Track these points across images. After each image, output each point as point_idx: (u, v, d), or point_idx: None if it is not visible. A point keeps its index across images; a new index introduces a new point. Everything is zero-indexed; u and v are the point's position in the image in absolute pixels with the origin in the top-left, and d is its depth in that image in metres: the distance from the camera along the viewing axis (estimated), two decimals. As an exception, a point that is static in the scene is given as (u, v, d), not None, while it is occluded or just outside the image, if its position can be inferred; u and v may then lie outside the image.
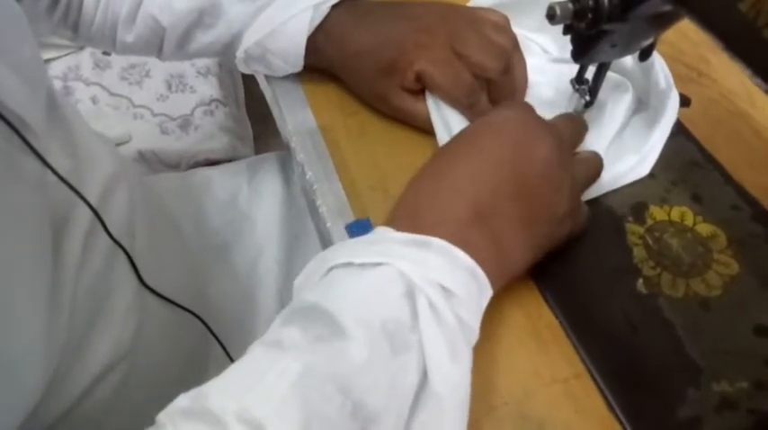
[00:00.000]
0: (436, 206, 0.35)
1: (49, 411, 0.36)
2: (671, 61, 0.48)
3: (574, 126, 0.43)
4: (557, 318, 0.39)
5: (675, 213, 0.43)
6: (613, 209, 0.44)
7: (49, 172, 0.37)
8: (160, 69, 0.92)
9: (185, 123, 0.89)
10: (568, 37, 0.40)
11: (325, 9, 0.48)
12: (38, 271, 0.34)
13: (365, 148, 0.48)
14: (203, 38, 0.52)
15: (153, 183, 0.65)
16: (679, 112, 0.46)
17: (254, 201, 0.67)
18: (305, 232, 0.65)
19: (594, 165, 0.43)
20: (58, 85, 0.88)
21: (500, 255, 0.35)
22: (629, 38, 0.40)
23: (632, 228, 0.43)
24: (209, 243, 0.63)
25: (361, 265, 0.32)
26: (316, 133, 0.49)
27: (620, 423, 0.35)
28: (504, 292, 0.38)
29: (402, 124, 0.49)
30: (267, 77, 0.54)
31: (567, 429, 0.35)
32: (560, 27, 0.39)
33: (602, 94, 0.46)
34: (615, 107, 0.47)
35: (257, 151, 0.95)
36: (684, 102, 0.47)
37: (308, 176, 0.47)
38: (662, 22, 0.38)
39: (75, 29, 0.55)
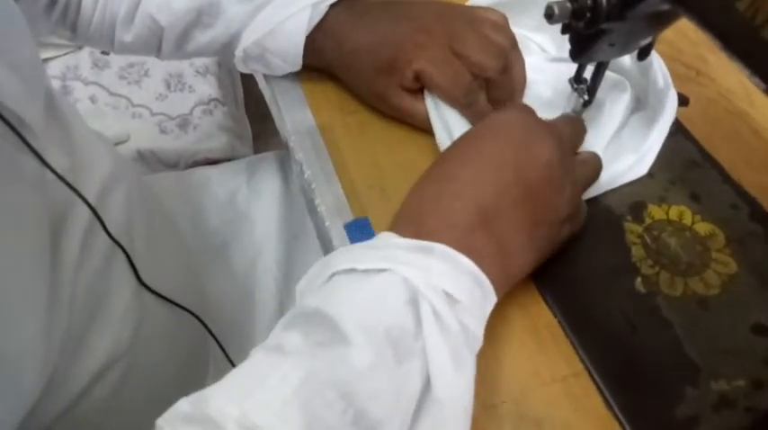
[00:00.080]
0: (439, 211, 0.35)
1: (47, 410, 0.36)
2: (669, 60, 0.48)
3: (574, 128, 0.43)
4: (555, 317, 0.39)
5: (674, 212, 0.43)
6: (612, 208, 0.44)
7: (48, 171, 0.37)
8: (159, 69, 0.92)
9: (184, 123, 0.89)
10: (567, 36, 0.40)
11: (323, 8, 0.48)
12: (36, 270, 0.34)
13: (364, 148, 0.48)
14: (202, 37, 0.52)
15: (152, 183, 0.65)
16: (677, 112, 0.46)
17: (252, 201, 0.67)
18: (304, 231, 0.65)
19: (594, 167, 0.43)
20: (56, 84, 0.88)
21: (504, 260, 0.35)
22: (627, 37, 0.40)
23: (631, 227, 0.43)
24: (207, 242, 0.63)
25: (365, 271, 0.31)
26: (314, 132, 0.49)
27: (619, 422, 0.35)
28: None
29: (401, 123, 0.49)
30: (266, 77, 0.54)
31: (565, 428, 0.35)
32: (559, 26, 0.39)
33: (600, 94, 0.46)
34: (613, 106, 0.47)
35: (256, 150, 0.95)
36: (683, 101, 0.47)
37: (306, 175, 0.47)
38: (660, 21, 0.38)
39: (74, 28, 0.55)
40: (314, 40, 0.48)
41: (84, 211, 0.39)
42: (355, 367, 0.28)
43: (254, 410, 0.25)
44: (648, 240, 0.42)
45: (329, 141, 0.48)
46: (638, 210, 0.43)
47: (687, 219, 0.43)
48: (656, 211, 0.43)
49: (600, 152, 0.44)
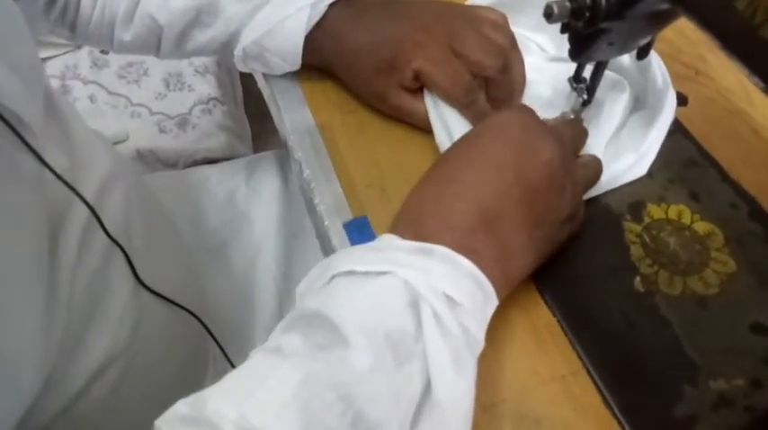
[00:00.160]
0: (440, 212, 0.34)
1: (45, 409, 0.36)
2: (668, 60, 0.48)
3: (575, 129, 0.43)
4: (555, 316, 0.39)
5: (673, 211, 0.43)
6: (611, 207, 0.44)
7: (46, 170, 0.37)
8: (158, 68, 0.92)
9: (183, 122, 0.89)
10: (566, 35, 0.40)
11: (322, 7, 0.48)
12: (34, 269, 0.34)
13: (363, 147, 0.48)
14: (201, 36, 0.52)
15: (150, 182, 0.65)
16: (676, 111, 0.46)
17: (252, 200, 0.67)
18: (303, 230, 0.65)
19: (594, 169, 0.43)
20: (55, 83, 0.88)
21: (505, 262, 0.35)
22: (626, 36, 0.40)
23: (630, 226, 0.43)
24: (206, 241, 0.63)
25: (365, 274, 0.31)
26: (314, 131, 0.49)
27: (618, 420, 0.35)
28: (501, 291, 0.38)
29: (400, 122, 0.49)
30: (265, 76, 0.54)
31: (564, 427, 0.35)
32: (558, 25, 0.39)
33: (599, 93, 0.46)
34: (613, 106, 0.47)
35: (255, 150, 0.95)
36: (682, 100, 0.47)
37: (305, 175, 0.47)
38: (659, 20, 0.38)
39: (73, 28, 0.55)
40: (313, 40, 0.48)
41: (83, 211, 0.39)
42: (355, 369, 0.27)
43: (253, 412, 0.25)
44: (647, 239, 0.42)
45: (328, 140, 0.48)
46: (637, 210, 0.43)
47: (686, 219, 0.43)
48: (655, 211, 0.43)
49: (599, 152, 0.44)
